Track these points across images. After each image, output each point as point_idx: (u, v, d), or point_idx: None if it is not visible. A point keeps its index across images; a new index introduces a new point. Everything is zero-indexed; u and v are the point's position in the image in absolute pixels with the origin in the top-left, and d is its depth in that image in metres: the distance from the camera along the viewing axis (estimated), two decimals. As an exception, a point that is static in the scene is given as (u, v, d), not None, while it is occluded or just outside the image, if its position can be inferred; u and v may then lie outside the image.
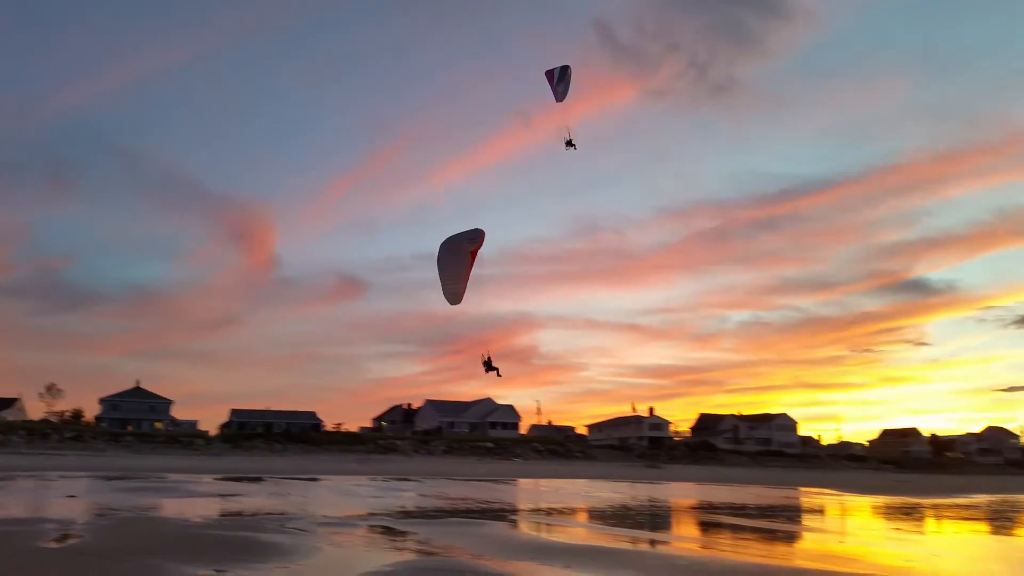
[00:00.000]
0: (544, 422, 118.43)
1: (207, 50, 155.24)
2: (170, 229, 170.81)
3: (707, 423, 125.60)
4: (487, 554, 11.94)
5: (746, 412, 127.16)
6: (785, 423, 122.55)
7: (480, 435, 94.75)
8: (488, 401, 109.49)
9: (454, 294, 15.32)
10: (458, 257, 15.19)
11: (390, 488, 31.37)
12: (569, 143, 17.38)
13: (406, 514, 19.57)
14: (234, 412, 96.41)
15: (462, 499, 25.83)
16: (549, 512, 22.63)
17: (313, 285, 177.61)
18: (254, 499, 23.58)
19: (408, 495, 27.32)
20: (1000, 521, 26.64)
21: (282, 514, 17.89)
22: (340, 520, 16.95)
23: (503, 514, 20.71)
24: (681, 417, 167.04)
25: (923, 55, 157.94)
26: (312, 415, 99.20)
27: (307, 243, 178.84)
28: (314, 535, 13.84)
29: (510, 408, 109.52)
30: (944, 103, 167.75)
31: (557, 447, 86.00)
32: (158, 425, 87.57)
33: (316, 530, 14.63)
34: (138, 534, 13.45)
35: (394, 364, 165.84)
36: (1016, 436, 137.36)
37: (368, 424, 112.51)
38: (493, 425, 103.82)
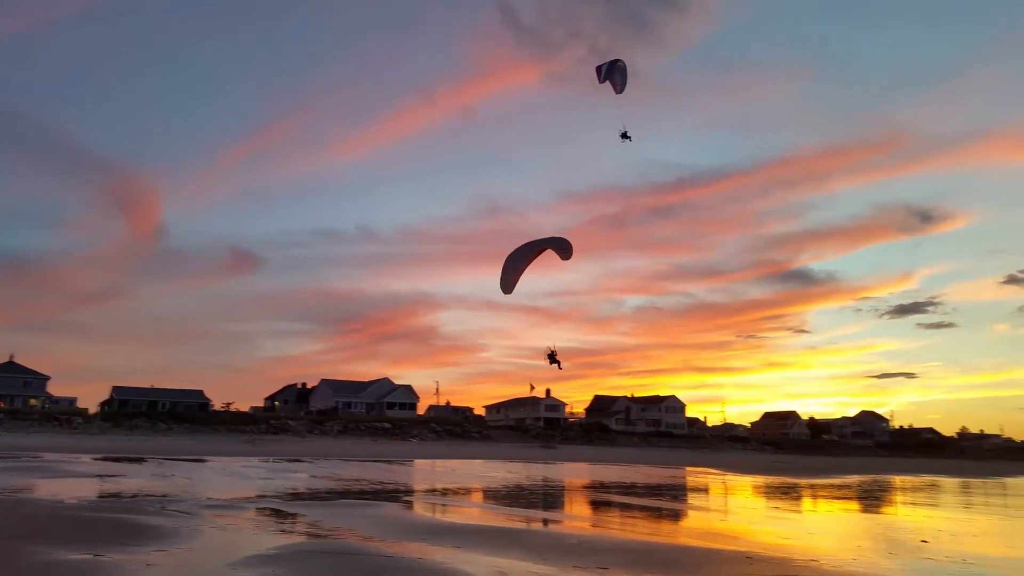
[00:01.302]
0: (443, 403, 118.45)
1: (94, 4, 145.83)
2: (46, 194, 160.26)
3: (601, 405, 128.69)
4: (377, 536, 11.75)
5: (638, 394, 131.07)
6: (674, 405, 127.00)
7: (377, 416, 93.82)
8: (386, 381, 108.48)
9: (507, 283, 16.89)
10: (529, 251, 16.74)
11: (281, 469, 30.59)
12: (624, 135, 17.09)
13: (296, 496, 19.09)
14: (116, 389, 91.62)
15: (355, 480, 25.46)
16: (443, 492, 22.59)
17: (203, 258, 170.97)
18: (135, 480, 22.48)
19: (300, 476, 26.71)
20: (869, 500, 28.44)
21: (164, 496, 17.12)
22: (226, 502, 16.35)
23: (397, 495, 20.52)
24: (577, 399, 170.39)
25: (814, 53, 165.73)
26: (200, 394, 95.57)
27: (197, 213, 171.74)
28: (197, 518, 13.28)
29: (408, 389, 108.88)
30: (832, 100, 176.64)
31: (455, 428, 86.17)
32: (33, 402, 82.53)
33: (200, 512, 14.04)
34: (7, 516, 12.54)
35: (289, 342, 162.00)
36: (886, 420, 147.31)
37: (260, 404, 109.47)
38: (391, 406, 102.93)
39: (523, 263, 16.79)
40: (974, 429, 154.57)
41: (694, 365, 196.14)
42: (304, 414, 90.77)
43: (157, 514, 13.45)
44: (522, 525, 14.73)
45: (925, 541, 14.14)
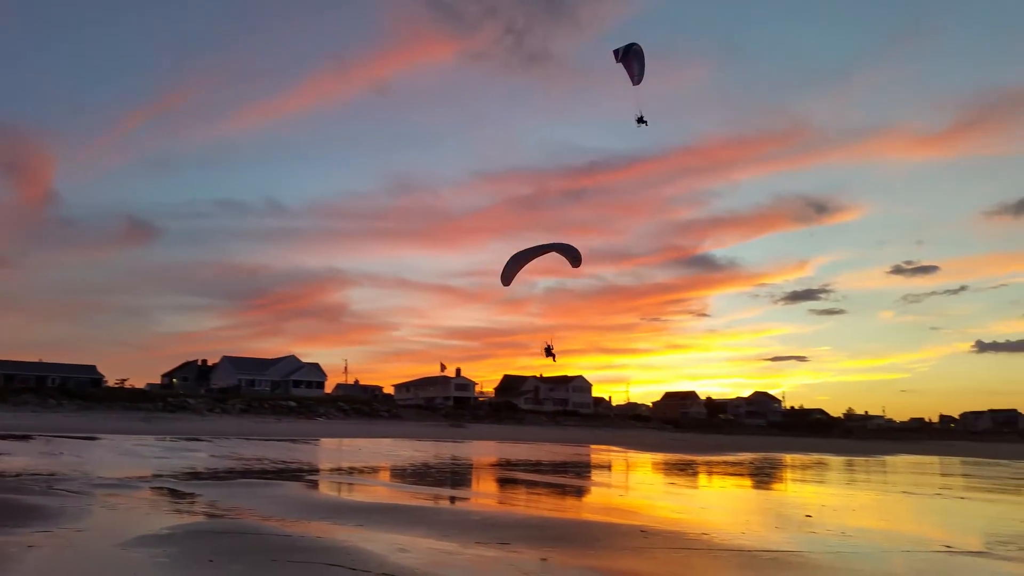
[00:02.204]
0: (351, 381, 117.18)
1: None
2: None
3: (510, 384, 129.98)
4: (278, 515, 11.59)
5: (547, 374, 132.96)
6: (581, 385, 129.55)
7: (283, 394, 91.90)
8: (292, 359, 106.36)
9: (507, 276, 17.50)
10: (537, 250, 17.30)
11: (179, 448, 29.63)
12: (640, 119, 16.62)
13: (194, 475, 18.57)
14: (1, 364, 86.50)
15: (257, 459, 24.94)
16: (349, 472, 22.42)
17: (98, 227, 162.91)
18: (19, 458, 21.32)
19: (198, 455, 25.95)
20: (760, 477, 29.84)
21: (51, 475, 16.33)
22: (118, 481, 15.75)
23: (300, 474, 20.23)
24: (487, 378, 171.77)
25: (723, 44, 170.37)
26: (92, 369, 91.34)
27: (92, 180, 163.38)
28: (87, 497, 12.75)
29: (315, 367, 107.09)
30: (738, 92, 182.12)
31: (363, 406, 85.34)
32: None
33: (89, 492, 13.48)
34: None
35: (188, 317, 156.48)
36: (779, 401, 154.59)
37: (157, 381, 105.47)
38: (297, 384, 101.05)
39: (527, 259, 17.55)
40: (859, 410, 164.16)
41: (601, 346, 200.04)
42: (204, 392, 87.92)
43: (43, 494, 12.84)
44: (427, 503, 14.80)
45: (809, 515, 14.99)
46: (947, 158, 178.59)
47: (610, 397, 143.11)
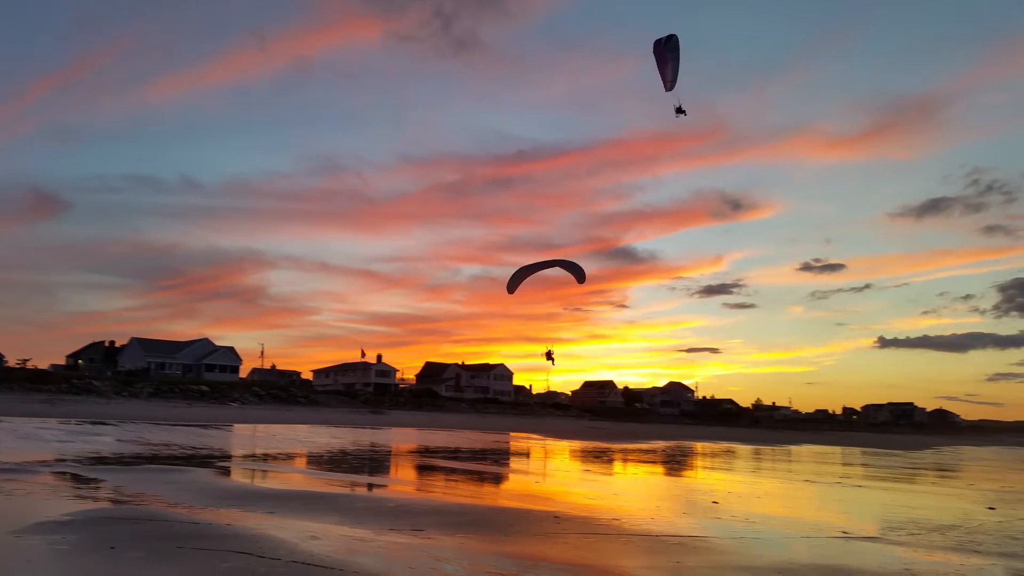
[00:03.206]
0: (267, 366, 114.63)
1: None
2: None
3: (432, 371, 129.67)
4: (185, 502, 11.28)
5: (469, 362, 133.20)
6: (503, 373, 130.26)
7: (195, 378, 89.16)
8: (205, 342, 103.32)
9: (512, 284, 18.46)
10: (543, 264, 18.19)
11: (83, 432, 28.42)
12: (679, 110, 16.14)
13: (99, 460, 17.86)
14: None
15: (165, 445, 24.17)
16: (262, 458, 21.98)
17: (0, 199, 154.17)
18: (-98, 444, 20.09)
19: (104, 440, 24.96)
20: (672, 464, 30.68)
21: (-62, 461, 15.45)
22: (16, 466, 15.02)
23: (210, 460, 19.71)
24: (408, 365, 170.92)
25: (650, 38, 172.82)
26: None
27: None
28: (-23, 484, 12.11)
29: (230, 350, 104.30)
30: (661, 87, 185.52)
31: (279, 392, 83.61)
32: None
33: (-19, 479, 12.81)
34: None
35: (96, 296, 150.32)
36: (692, 391, 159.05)
37: (61, 362, 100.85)
38: (210, 368, 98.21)
39: (533, 272, 18.62)
40: (767, 401, 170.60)
41: (524, 335, 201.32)
42: (112, 374, 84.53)
43: (-72, 481, 12.15)
44: (341, 490, 14.65)
45: (716, 502, 15.51)
46: (857, 160, 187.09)
47: (531, 385, 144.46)
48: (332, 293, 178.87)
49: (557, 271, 18.82)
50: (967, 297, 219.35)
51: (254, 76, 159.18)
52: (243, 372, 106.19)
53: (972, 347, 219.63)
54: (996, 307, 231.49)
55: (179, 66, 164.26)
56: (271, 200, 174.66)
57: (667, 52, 15.40)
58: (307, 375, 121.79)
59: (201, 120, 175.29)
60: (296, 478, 17.06)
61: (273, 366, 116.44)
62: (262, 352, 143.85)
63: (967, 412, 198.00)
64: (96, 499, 11.32)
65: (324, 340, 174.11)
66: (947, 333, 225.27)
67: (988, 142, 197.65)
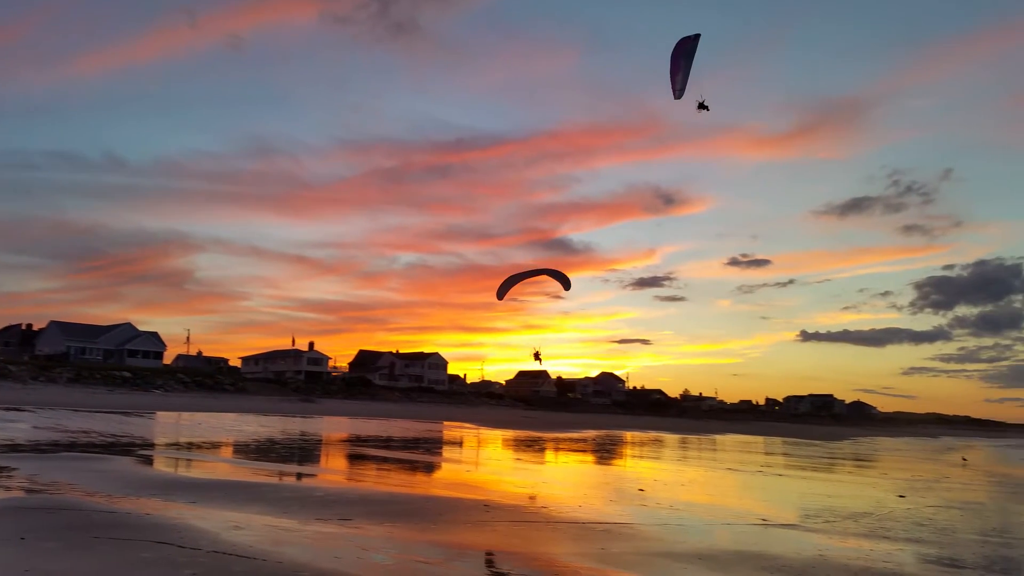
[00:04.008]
0: (193, 352, 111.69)
1: None
2: None
3: (365, 359, 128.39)
4: (104, 491, 10.91)
5: (403, 350, 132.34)
6: (437, 362, 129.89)
7: (116, 364, 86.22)
8: (128, 327, 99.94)
9: (502, 291, 19.34)
10: (533, 272, 19.16)
11: (-6, 419, 27.19)
12: (702, 105, 15.79)
13: (13, 447, 17.14)
14: None
15: (84, 432, 23.33)
16: (186, 447, 21.42)
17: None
18: None
19: (19, 427, 23.95)
20: (601, 453, 31.16)
21: None
22: (-83, 456, 14.29)
23: (131, 449, 19.11)
24: (342, 353, 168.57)
25: (590, 31, 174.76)
26: None
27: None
28: None
29: (154, 336, 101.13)
30: (601, 80, 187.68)
31: (206, 379, 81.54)
32: None
33: None
34: None
35: (13, 277, 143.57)
36: (623, 381, 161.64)
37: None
38: (133, 353, 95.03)
39: (521, 279, 19.37)
40: (695, 392, 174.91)
41: (459, 324, 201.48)
42: (29, 359, 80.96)
43: None
44: (268, 479, 14.40)
45: (642, 490, 15.83)
46: (784, 159, 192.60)
47: (465, 375, 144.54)
48: (263, 278, 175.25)
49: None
50: (885, 294, 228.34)
51: (183, 53, 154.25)
52: (168, 359, 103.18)
53: (889, 342, 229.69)
54: (912, 304, 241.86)
55: (105, 40, 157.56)
56: (200, 181, 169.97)
57: (682, 59, 15.39)
58: (235, 362, 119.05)
59: (127, 96, 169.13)
60: (221, 467, 16.68)
61: (199, 353, 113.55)
62: (188, 338, 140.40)
63: (883, 404, 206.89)
64: (8, 488, 10.87)
65: (254, 327, 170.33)
66: (866, 328, 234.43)
67: (908, 144, 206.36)
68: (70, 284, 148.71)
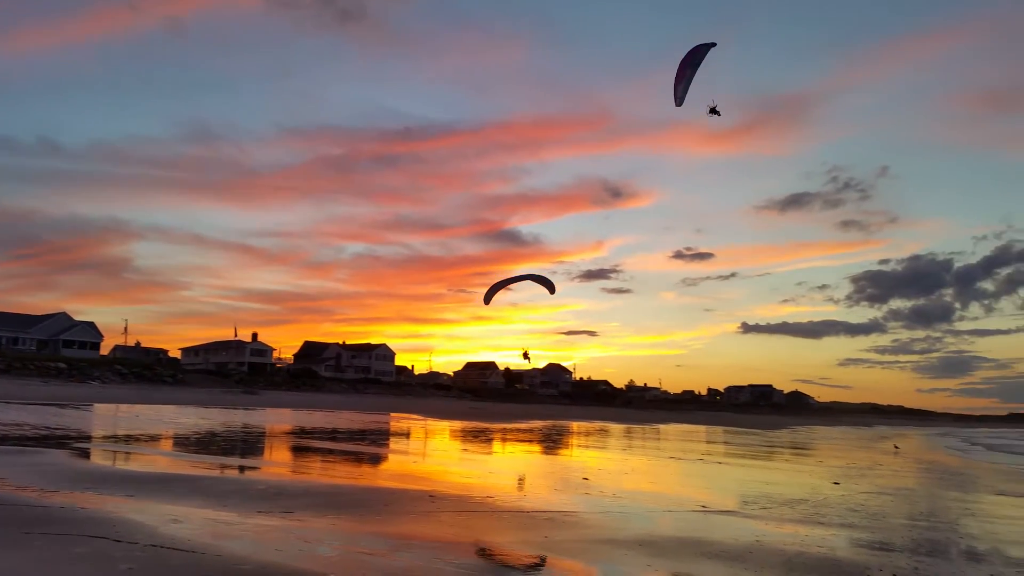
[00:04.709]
0: (131, 343, 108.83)
1: None
2: None
3: (311, 350, 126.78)
4: (36, 485, 10.59)
5: (350, 341, 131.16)
6: (384, 353, 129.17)
7: (51, 354, 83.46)
8: (63, 316, 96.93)
9: (489, 296, 20.64)
10: (519, 277, 20.54)
11: (-83, 413, 26.10)
12: (713, 110, 15.56)
13: (-65, 443, 16.48)
14: None
15: (16, 425, 22.56)
16: (125, 440, 20.89)
17: None
18: None
19: (-58, 421, 23.03)
20: (547, 443, 31.42)
21: None
22: None
23: (66, 442, 18.55)
24: (286, 344, 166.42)
25: (540, 23, 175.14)
26: None
27: None
28: None
29: (90, 326, 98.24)
30: (552, 73, 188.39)
31: (145, 371, 79.57)
32: None
33: None
34: None
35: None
36: (570, 372, 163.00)
37: None
38: (68, 344, 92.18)
39: (506, 284, 20.49)
40: (640, 382, 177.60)
41: (407, 315, 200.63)
42: (-45, 350, 77.86)
43: None
44: (208, 472, 14.15)
45: (587, 479, 16.03)
46: (729, 155, 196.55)
47: (413, 366, 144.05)
48: (205, 268, 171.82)
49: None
50: (823, 287, 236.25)
51: (122, 34, 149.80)
52: (105, 349, 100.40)
53: (826, 334, 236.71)
54: (848, 297, 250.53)
55: (40, 19, 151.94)
56: (139, 167, 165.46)
57: (689, 68, 15.60)
58: (175, 354, 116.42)
59: (63, 78, 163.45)
60: (160, 460, 16.32)
61: (138, 343, 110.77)
62: (126, 328, 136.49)
63: (820, 394, 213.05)
64: (-69, 484, 10.45)
65: (195, 317, 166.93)
66: (804, 320, 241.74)
67: (847, 142, 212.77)
68: (2, 272, 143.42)
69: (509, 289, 21.10)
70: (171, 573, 6.12)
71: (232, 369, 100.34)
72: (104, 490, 10.56)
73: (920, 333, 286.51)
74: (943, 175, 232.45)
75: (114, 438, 21.21)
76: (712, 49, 15.28)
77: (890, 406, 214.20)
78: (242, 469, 15.75)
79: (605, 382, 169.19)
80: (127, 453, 17.26)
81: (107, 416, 32.09)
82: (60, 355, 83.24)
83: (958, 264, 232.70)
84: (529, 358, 22.91)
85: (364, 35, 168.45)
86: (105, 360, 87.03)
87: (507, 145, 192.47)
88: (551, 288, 20.71)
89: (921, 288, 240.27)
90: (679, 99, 15.89)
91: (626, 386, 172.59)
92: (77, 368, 71.59)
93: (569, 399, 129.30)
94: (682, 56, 15.86)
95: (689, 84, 15.84)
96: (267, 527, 8.43)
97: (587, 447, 30.22)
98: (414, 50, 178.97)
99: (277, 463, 17.59)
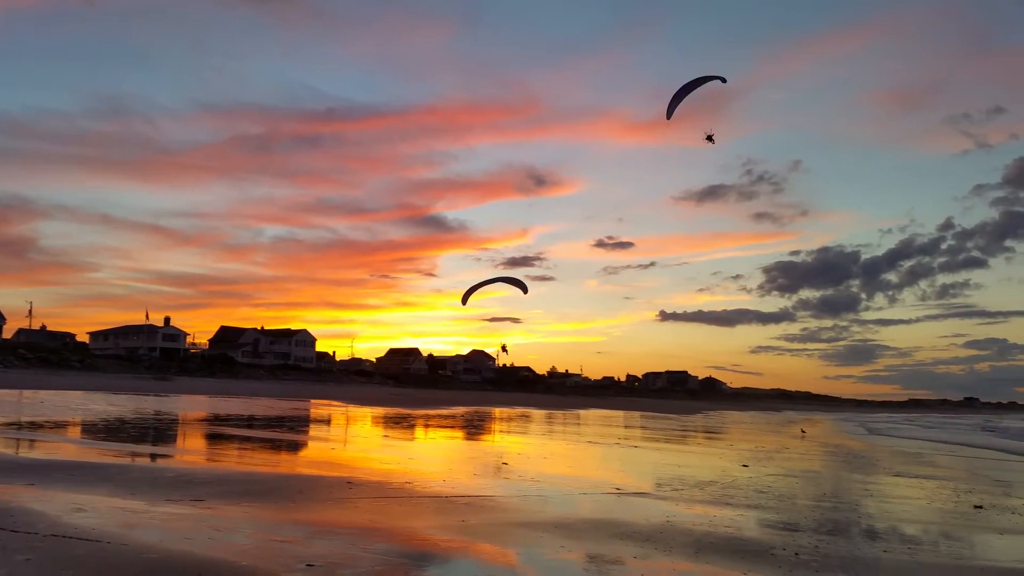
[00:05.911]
0: (36, 326, 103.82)
1: None
2: None
3: (227, 336, 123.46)
4: (-74, 476, 10.05)
5: (269, 327, 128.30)
6: (305, 339, 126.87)
7: (-56, 338, 78.82)
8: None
9: (466, 298, 22.73)
10: (490, 281, 22.31)
11: None
12: (709, 138, 15.31)
13: None
14: None
15: (-96, 413, 21.28)
16: (27, 426, 19.97)
17: None
18: None
19: None
20: (469, 429, 31.55)
21: None
22: None
23: (-39, 430, 17.61)
24: (201, 329, 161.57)
25: (469, 5, 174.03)
26: None
27: None
28: None
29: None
30: (478, 58, 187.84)
31: (50, 355, 76.07)
32: None
33: None
34: None
35: None
36: (493, 359, 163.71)
37: None
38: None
39: (481, 286, 21.80)
40: (561, 369, 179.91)
41: (329, 300, 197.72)
42: None
43: None
44: (115, 460, 13.67)
45: (506, 463, 16.21)
46: (650, 145, 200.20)
47: (334, 352, 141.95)
48: (114, 249, 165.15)
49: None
50: (737, 277, 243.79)
51: (25, 2, 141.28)
52: (7, 332, 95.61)
53: (739, 322, 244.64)
54: (760, 287, 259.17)
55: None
56: (44, 142, 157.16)
57: (687, 91, 16.14)
58: (83, 338, 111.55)
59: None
60: (65, 448, 15.69)
61: (43, 327, 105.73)
62: (30, 311, 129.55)
63: (733, 380, 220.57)
64: None
65: (104, 300, 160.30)
66: (719, 309, 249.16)
67: (761, 135, 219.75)
68: None
69: (484, 290, 22.66)
70: (72, 563, 5.93)
71: (143, 354, 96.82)
72: (3, 479, 10.10)
73: (828, 322, 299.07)
74: (852, 170, 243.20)
75: (16, 425, 20.24)
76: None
77: (798, 392, 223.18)
78: (153, 457, 15.29)
79: (527, 368, 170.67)
80: (30, 440, 16.52)
81: (9, 402, 30.56)
82: (-45, 339, 78.69)
83: (865, 256, 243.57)
84: (507, 350, 25.24)
85: (286, 11, 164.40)
86: (8, 344, 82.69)
87: (433, 129, 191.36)
88: (524, 289, 22.26)
89: (829, 279, 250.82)
90: (669, 113, 16.76)
91: (548, 372, 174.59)
92: (-26, 353, 67.83)
93: (492, 385, 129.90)
94: (689, 88, 16.63)
95: (679, 102, 16.71)
96: (177, 515, 8.24)
97: (508, 433, 30.49)
98: (338, 28, 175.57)
99: (190, 451, 17.14)
